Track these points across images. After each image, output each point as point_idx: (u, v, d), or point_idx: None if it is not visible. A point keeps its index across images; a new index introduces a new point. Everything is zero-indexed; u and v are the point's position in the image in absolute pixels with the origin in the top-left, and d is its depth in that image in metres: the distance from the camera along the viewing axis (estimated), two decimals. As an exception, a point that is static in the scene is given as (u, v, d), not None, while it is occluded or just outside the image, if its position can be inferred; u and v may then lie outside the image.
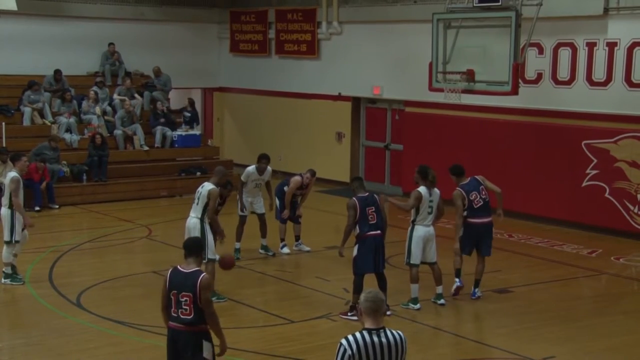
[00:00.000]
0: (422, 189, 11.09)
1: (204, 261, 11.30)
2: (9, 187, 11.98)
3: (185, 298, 6.80)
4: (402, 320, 10.71)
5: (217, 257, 12.29)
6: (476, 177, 11.79)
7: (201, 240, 7.20)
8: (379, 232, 10.75)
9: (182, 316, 6.84)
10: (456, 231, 11.57)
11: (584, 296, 12.72)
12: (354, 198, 10.82)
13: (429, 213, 11.11)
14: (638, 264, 14.25)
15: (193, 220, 11.39)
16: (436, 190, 11.21)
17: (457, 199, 11.44)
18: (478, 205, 11.52)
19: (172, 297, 6.87)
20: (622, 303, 12.22)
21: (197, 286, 6.78)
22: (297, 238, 14.46)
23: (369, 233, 10.67)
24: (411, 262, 11.18)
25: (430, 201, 11.10)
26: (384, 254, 10.90)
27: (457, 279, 11.71)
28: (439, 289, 11.39)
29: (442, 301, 11.39)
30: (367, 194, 10.91)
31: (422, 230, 11.12)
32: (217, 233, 11.64)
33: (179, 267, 6.98)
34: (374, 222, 10.71)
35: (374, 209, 10.75)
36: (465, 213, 11.50)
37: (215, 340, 7.05)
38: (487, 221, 11.66)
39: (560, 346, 9.99)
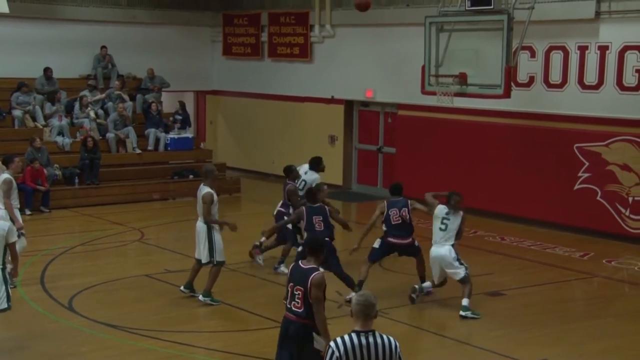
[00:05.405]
0: (440, 205, 11.29)
1: (211, 264, 11.30)
2: (0, 188, 11.95)
3: (298, 292, 7.19)
4: (393, 322, 10.71)
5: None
6: (409, 200, 11.85)
7: (323, 241, 7.50)
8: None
9: (294, 308, 7.24)
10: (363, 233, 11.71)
11: (576, 299, 12.76)
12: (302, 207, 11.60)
13: (441, 230, 11.17)
14: (630, 266, 14.29)
15: (199, 224, 11.42)
16: (460, 213, 11.26)
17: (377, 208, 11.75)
18: (395, 223, 11.63)
19: (290, 290, 7.27)
20: (614, 305, 12.25)
21: (309, 282, 7.08)
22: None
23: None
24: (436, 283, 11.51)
25: (446, 219, 11.15)
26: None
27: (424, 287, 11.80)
28: (465, 302, 11.20)
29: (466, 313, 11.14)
30: (318, 204, 11.62)
31: (432, 252, 11.25)
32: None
33: (300, 262, 7.39)
34: (321, 229, 11.29)
35: (321, 218, 11.42)
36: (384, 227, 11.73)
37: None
38: (405, 242, 11.65)
39: (552, 348, 10.02)
